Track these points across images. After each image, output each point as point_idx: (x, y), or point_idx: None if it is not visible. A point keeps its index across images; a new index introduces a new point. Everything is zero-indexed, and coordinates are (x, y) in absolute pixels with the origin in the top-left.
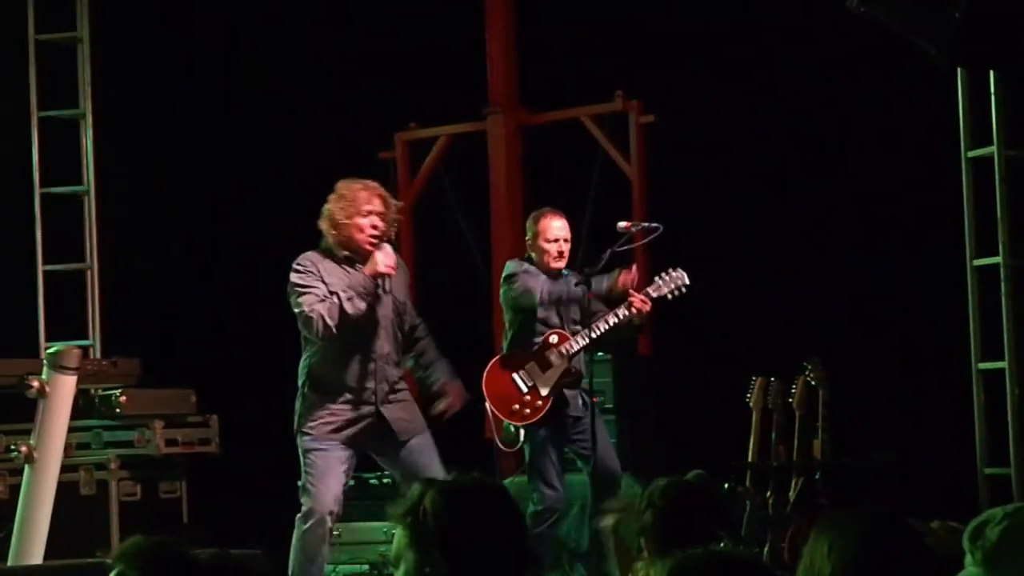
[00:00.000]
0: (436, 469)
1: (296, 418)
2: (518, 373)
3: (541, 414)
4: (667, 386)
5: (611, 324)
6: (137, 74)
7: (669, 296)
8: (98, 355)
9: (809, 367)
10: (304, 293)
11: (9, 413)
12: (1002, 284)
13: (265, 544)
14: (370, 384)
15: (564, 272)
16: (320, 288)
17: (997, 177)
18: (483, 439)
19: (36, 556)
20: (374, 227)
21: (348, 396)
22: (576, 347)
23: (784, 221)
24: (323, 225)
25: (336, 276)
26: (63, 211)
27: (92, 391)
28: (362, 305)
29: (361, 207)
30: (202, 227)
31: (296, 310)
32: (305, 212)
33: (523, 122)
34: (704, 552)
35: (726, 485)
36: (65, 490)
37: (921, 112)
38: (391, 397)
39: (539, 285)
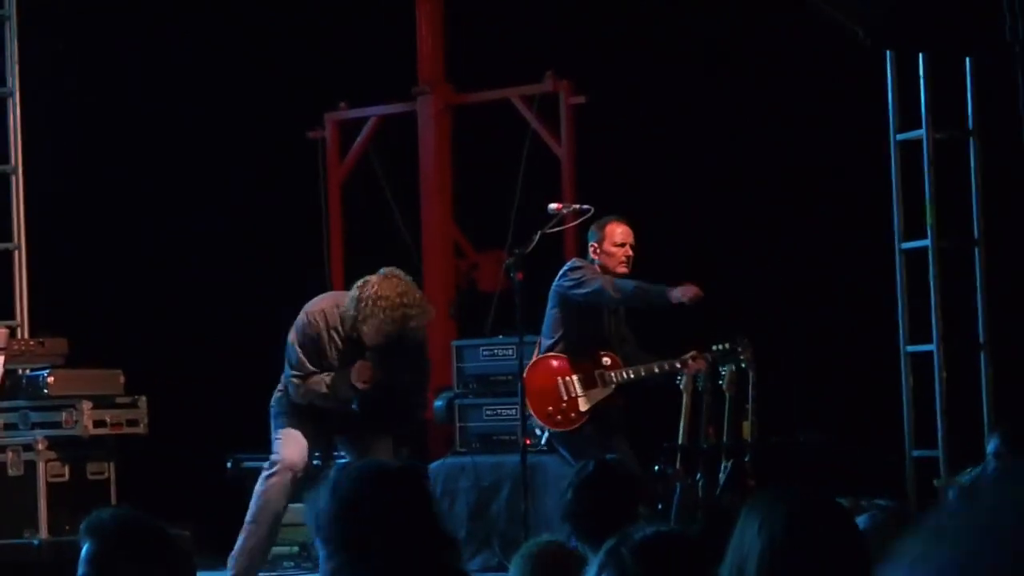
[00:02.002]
0: (385, 452)
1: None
2: (564, 378)
3: (573, 426)
4: None
5: (660, 371)
6: (64, 52)
7: (721, 368)
8: (25, 335)
9: (740, 349)
10: (298, 358)
11: None
12: (930, 267)
13: (192, 526)
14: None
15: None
16: (313, 359)
17: (926, 160)
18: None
19: None
20: (385, 340)
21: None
22: (625, 378)
23: (713, 202)
24: (354, 306)
25: (334, 346)
26: None
27: (19, 371)
28: (334, 404)
29: (382, 327)
30: (129, 206)
31: (286, 366)
32: (233, 192)
33: (452, 102)
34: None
35: (656, 467)
36: None
37: (850, 94)
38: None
39: (607, 283)
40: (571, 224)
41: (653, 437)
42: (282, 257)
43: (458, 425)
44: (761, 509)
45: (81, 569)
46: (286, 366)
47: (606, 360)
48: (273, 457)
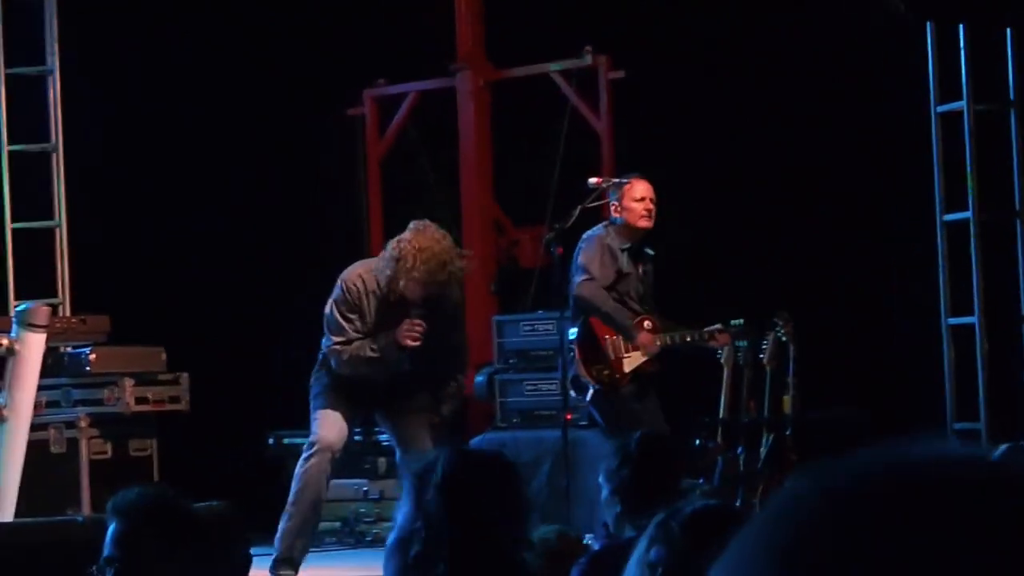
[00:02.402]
0: (425, 438)
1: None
2: (611, 338)
3: (619, 386)
4: None
5: (692, 340)
6: (105, 30)
7: (737, 344)
8: (67, 313)
9: (779, 323)
10: (338, 324)
11: None
12: (972, 239)
13: (234, 502)
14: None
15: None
16: (356, 322)
17: (967, 132)
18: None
19: (6, 514)
20: (426, 299)
21: (368, 385)
22: (666, 343)
23: (755, 176)
24: (387, 265)
25: (375, 312)
26: (31, 168)
27: (61, 349)
28: (381, 367)
29: (430, 277)
30: (171, 184)
31: (326, 334)
32: (274, 169)
33: (491, 78)
34: (692, 505)
35: (697, 441)
36: (35, 448)
37: (890, 66)
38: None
39: (591, 290)
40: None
41: (695, 411)
42: (322, 234)
43: (499, 400)
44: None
45: (107, 549)
46: (325, 337)
47: (647, 324)
48: (311, 438)
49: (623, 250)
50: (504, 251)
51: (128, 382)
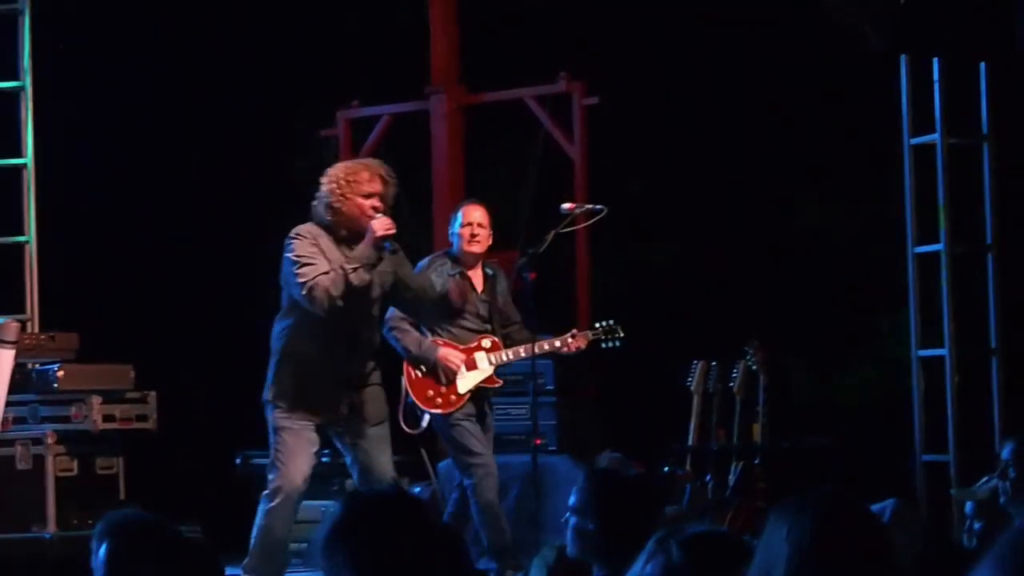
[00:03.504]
0: (385, 462)
1: (267, 387)
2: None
3: (453, 408)
4: (608, 368)
5: (544, 350)
6: (78, 47)
7: (603, 345)
8: (36, 329)
9: (750, 352)
10: (305, 264)
11: None
12: (943, 272)
13: (201, 521)
14: (350, 366)
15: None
16: (321, 260)
17: (940, 165)
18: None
19: None
20: (375, 208)
21: (327, 375)
22: (504, 360)
23: (727, 204)
24: (323, 205)
25: (334, 255)
26: (1, 184)
27: (29, 365)
28: (366, 277)
29: (363, 188)
30: (142, 202)
31: (297, 280)
32: (248, 188)
33: (465, 102)
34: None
35: (666, 468)
36: (1, 464)
37: (865, 98)
38: (367, 381)
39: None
40: (583, 224)
41: (663, 438)
42: None
43: None
44: (788, 512)
45: (99, 571)
46: (286, 301)
47: (486, 342)
48: (273, 479)
49: (450, 276)
50: None
51: (96, 399)
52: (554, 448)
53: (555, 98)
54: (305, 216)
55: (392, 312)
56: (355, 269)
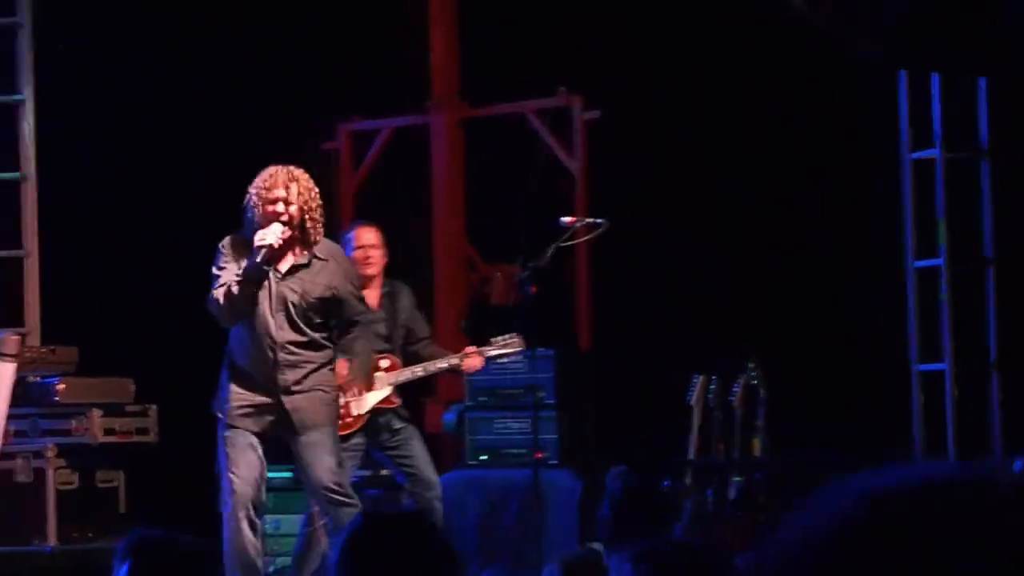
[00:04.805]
0: (321, 469)
1: (214, 397)
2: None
3: (349, 431)
4: (608, 382)
5: (440, 368)
6: (78, 60)
7: (503, 359)
8: (36, 342)
9: (751, 366)
10: (216, 276)
11: None
12: (943, 286)
13: (201, 535)
14: (272, 371)
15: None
16: (227, 273)
17: (939, 179)
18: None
19: None
20: (276, 213)
21: (253, 381)
22: (403, 379)
23: (727, 219)
24: (246, 215)
25: (246, 261)
26: (1, 197)
27: (29, 378)
28: (253, 289)
29: (267, 193)
30: (142, 216)
31: (211, 291)
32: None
33: (465, 115)
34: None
35: (666, 482)
36: (1, 478)
37: (864, 113)
38: (295, 388)
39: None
40: (584, 238)
41: (663, 452)
42: None
43: (468, 438)
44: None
45: None
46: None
47: (384, 363)
48: (229, 501)
49: None
50: (476, 288)
51: (96, 413)
52: (555, 462)
53: (555, 112)
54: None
55: None
56: (238, 282)
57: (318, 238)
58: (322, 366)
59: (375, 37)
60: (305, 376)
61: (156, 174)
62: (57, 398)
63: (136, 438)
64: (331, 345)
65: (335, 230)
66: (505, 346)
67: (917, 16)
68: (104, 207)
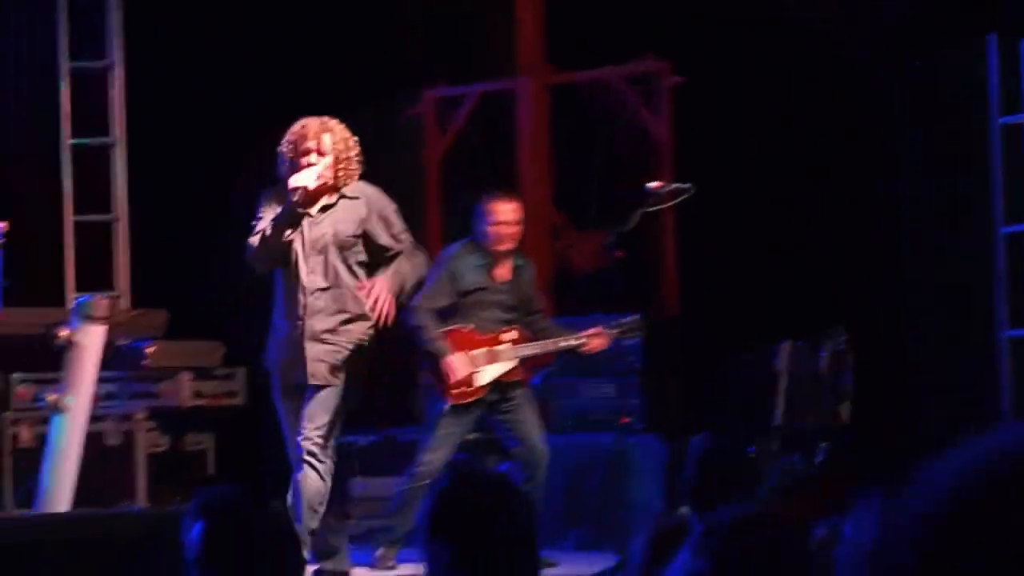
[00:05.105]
0: (314, 424)
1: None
2: (467, 353)
3: (467, 400)
4: (694, 348)
5: (565, 347)
6: (167, 24)
7: (626, 341)
8: (126, 306)
9: (839, 332)
10: (253, 225)
11: (37, 362)
12: None
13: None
14: (300, 317)
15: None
16: (267, 221)
17: None
18: None
19: (63, 505)
20: (310, 164)
21: (288, 330)
22: (529, 352)
23: (815, 183)
24: (280, 158)
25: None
26: (92, 162)
27: (119, 342)
28: (286, 232)
29: (300, 144)
30: (230, 179)
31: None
32: None
33: (552, 81)
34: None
35: (753, 448)
36: (91, 441)
37: (952, 78)
38: (322, 336)
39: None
40: (669, 204)
41: (750, 417)
42: None
43: (553, 403)
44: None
45: (194, 550)
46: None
47: (510, 335)
48: (289, 451)
49: (477, 267)
50: (561, 254)
51: (185, 376)
52: (641, 427)
53: (641, 77)
54: (390, 195)
55: (418, 300)
56: (273, 224)
57: (348, 182)
58: (355, 319)
59: (462, 2)
60: (335, 327)
61: (242, 137)
62: (146, 362)
63: (224, 401)
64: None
65: (421, 196)
66: (630, 328)
67: None
68: (192, 171)
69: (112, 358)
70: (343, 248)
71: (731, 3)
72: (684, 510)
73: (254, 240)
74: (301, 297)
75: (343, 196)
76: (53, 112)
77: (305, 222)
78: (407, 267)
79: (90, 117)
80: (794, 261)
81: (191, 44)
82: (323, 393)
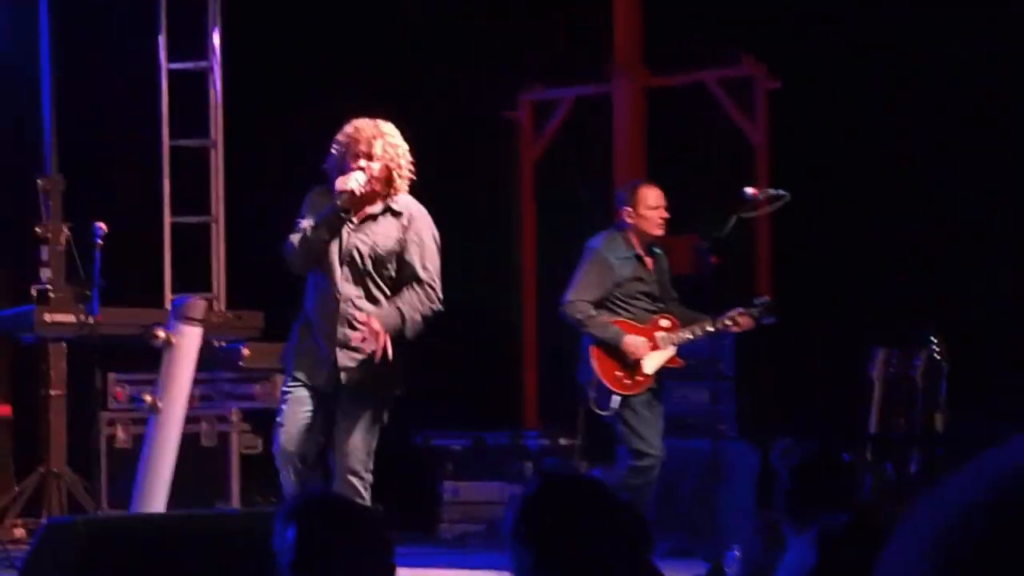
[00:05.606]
0: (354, 450)
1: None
2: (641, 335)
3: (640, 389)
4: (788, 355)
5: (716, 329)
6: (265, 27)
7: (763, 321)
8: (222, 307)
9: (933, 339)
10: (296, 223)
11: (134, 363)
12: None
13: (380, 500)
14: (332, 324)
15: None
16: (309, 221)
17: None
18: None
19: (158, 505)
20: (361, 168)
21: (315, 334)
22: (684, 339)
23: (910, 190)
24: (331, 161)
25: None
26: (190, 164)
27: (215, 343)
28: (325, 236)
29: (352, 146)
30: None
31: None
32: (429, 169)
33: (648, 84)
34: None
35: (846, 456)
36: (186, 441)
37: None
38: (353, 344)
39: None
40: (765, 209)
41: (844, 425)
42: (475, 236)
43: None
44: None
45: (290, 554)
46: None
47: (665, 322)
48: (273, 447)
49: (626, 258)
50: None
51: (280, 378)
52: (734, 434)
53: (738, 81)
54: (484, 207)
55: (571, 295)
56: (314, 225)
57: (396, 193)
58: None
59: (558, 6)
60: (365, 337)
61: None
62: (242, 363)
63: None
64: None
65: (516, 200)
66: (767, 308)
67: None
68: (288, 173)
69: (208, 359)
70: (377, 262)
71: (828, 7)
72: (777, 516)
73: (294, 238)
74: (333, 304)
75: (389, 209)
76: (152, 114)
77: (345, 228)
78: (415, 300)
79: (188, 119)
80: (890, 268)
81: (288, 46)
82: (357, 409)
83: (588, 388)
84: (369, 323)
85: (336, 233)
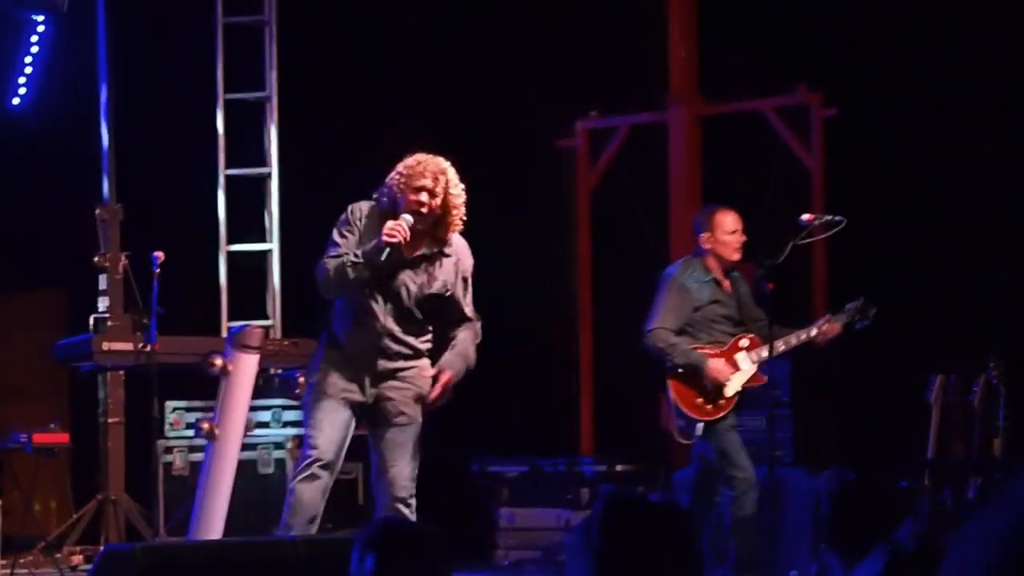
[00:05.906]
0: (400, 477)
1: (309, 365)
2: (723, 359)
3: (723, 412)
4: (846, 381)
5: (800, 341)
6: (320, 57)
7: (856, 326)
8: (278, 335)
9: (992, 365)
10: (333, 243)
11: (191, 390)
12: None
13: (437, 526)
14: (372, 356)
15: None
16: (349, 244)
17: None
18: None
19: (215, 532)
20: (419, 203)
21: (349, 360)
22: (765, 357)
23: (967, 216)
24: (387, 192)
25: (372, 237)
26: (247, 192)
27: (272, 371)
28: (365, 274)
29: (414, 180)
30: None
31: (326, 254)
32: (485, 197)
33: (703, 112)
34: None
35: (904, 482)
36: (243, 468)
37: None
38: (390, 376)
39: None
40: (821, 236)
41: (902, 451)
42: (531, 264)
43: None
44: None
45: None
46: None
47: (743, 342)
48: (304, 452)
49: (705, 282)
50: None
51: None
52: (790, 460)
53: (794, 109)
54: (540, 234)
55: (653, 324)
56: (354, 263)
57: (449, 233)
58: (420, 357)
59: (613, 33)
60: (402, 368)
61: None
62: (298, 390)
63: None
64: (430, 340)
65: (572, 227)
66: (858, 312)
67: None
68: (344, 202)
69: (264, 386)
70: (422, 300)
71: (884, 35)
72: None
73: (330, 265)
74: (375, 337)
75: (442, 252)
76: (209, 143)
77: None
78: (469, 341)
79: (245, 149)
80: (947, 293)
81: (344, 78)
82: (400, 436)
83: (673, 418)
84: (448, 381)
85: (377, 273)
